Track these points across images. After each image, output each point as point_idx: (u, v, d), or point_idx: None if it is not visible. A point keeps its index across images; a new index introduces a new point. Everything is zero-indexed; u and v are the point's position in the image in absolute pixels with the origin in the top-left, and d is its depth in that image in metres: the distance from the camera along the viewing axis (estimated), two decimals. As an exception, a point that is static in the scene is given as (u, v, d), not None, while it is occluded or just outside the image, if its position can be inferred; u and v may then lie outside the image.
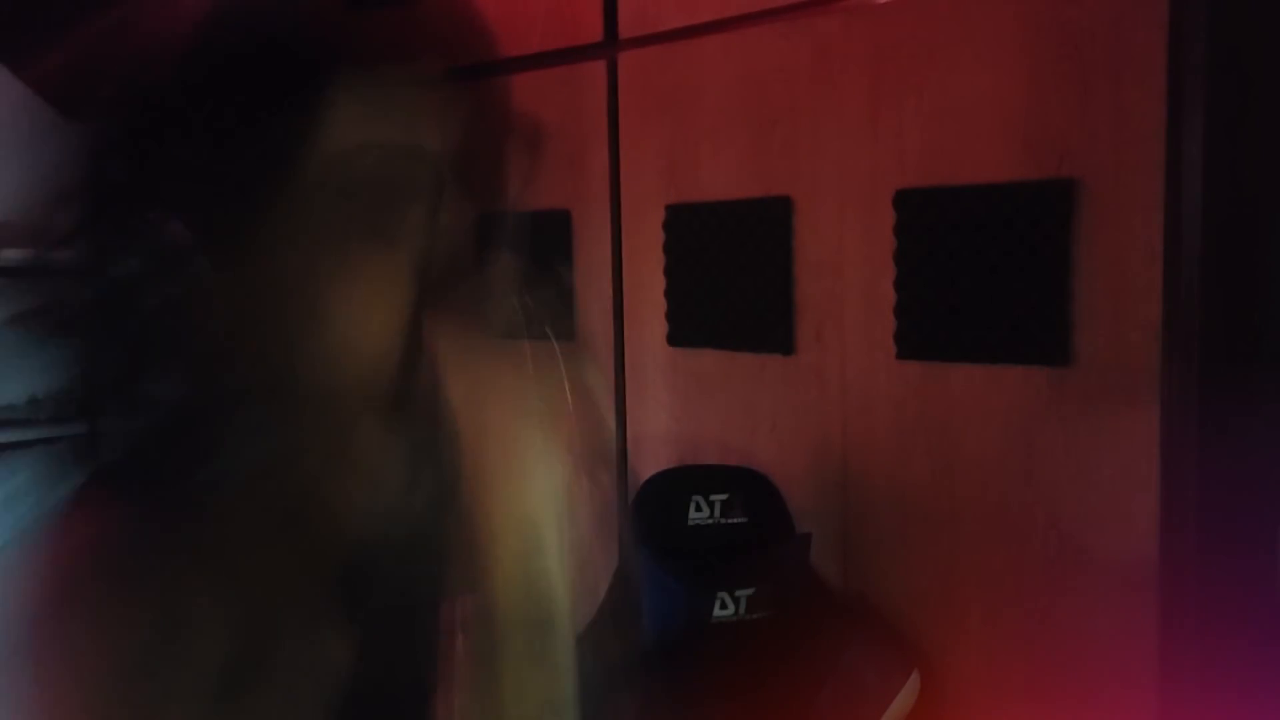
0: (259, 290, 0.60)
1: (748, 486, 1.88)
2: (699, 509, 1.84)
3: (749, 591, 1.75)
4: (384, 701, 0.60)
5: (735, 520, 1.84)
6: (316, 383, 0.62)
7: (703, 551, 1.81)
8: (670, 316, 2.18)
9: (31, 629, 0.57)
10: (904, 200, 1.81)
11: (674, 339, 2.18)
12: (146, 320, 0.61)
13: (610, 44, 2.24)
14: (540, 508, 0.57)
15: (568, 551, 0.58)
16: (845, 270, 1.91)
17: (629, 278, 2.24)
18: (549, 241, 2.27)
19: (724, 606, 1.74)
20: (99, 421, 0.64)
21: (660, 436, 2.21)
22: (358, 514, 0.65)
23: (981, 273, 1.71)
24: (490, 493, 0.57)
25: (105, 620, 0.56)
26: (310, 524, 0.62)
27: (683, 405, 2.18)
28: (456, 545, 0.59)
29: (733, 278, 2.07)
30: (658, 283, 2.18)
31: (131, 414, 0.63)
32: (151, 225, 0.59)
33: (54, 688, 0.56)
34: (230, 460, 0.61)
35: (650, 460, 2.15)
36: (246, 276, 0.59)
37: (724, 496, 1.84)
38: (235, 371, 0.61)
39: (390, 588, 0.62)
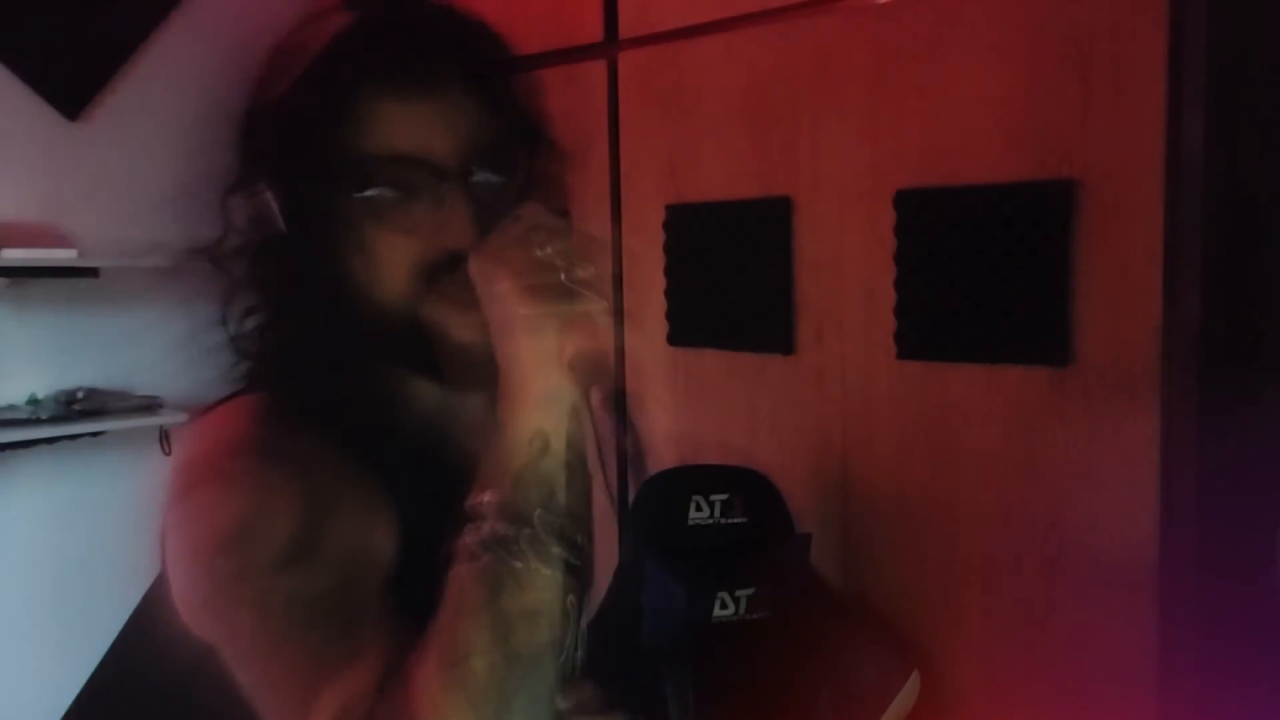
0: (310, 248, 0.79)
1: (748, 486, 1.88)
2: (699, 509, 1.84)
3: (749, 591, 1.75)
4: (416, 581, 0.73)
5: (735, 520, 1.84)
6: (353, 319, 0.79)
7: (703, 551, 1.81)
8: (670, 316, 2.18)
9: (175, 495, 0.76)
10: (904, 200, 1.81)
11: (674, 339, 2.18)
12: (254, 262, 0.81)
13: (610, 44, 2.24)
14: (549, 422, 0.72)
15: (573, 461, 0.74)
16: (845, 270, 1.91)
17: (629, 278, 2.24)
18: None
19: (724, 606, 1.74)
20: (238, 344, 0.83)
21: (660, 436, 2.21)
22: (396, 421, 0.83)
23: (981, 273, 1.71)
24: (509, 410, 0.72)
25: (216, 499, 0.74)
26: (359, 428, 0.79)
27: (683, 405, 2.19)
28: (482, 451, 0.73)
29: (733, 278, 2.07)
30: (658, 283, 2.18)
31: (259, 338, 0.83)
32: (255, 195, 0.79)
33: (177, 544, 0.76)
34: (314, 375, 0.80)
35: (650, 460, 2.15)
36: (304, 237, 0.78)
37: (724, 496, 1.84)
38: (302, 303, 0.81)
39: (426, 484, 0.78)
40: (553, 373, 0.70)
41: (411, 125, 0.77)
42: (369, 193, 0.77)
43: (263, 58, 0.82)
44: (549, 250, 0.71)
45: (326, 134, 0.77)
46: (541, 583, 0.69)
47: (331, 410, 0.78)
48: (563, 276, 0.71)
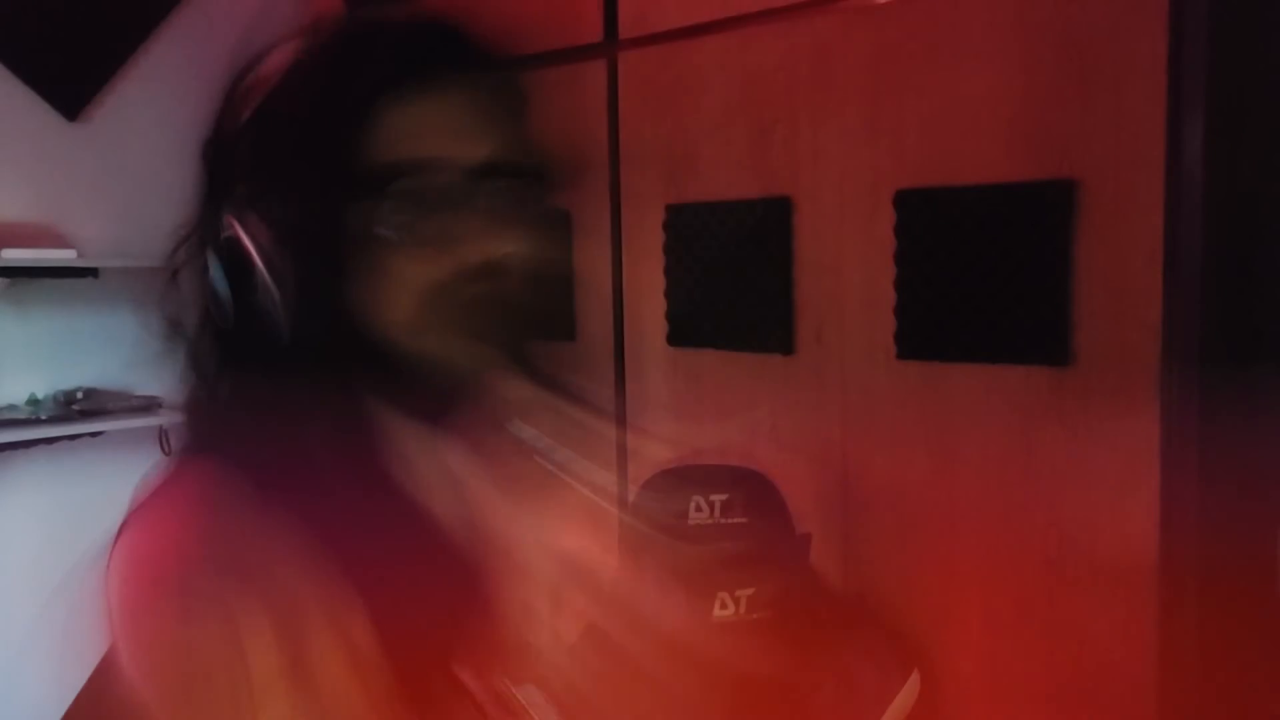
0: (301, 282, 0.66)
1: (748, 486, 1.88)
2: (699, 509, 1.83)
3: (749, 591, 1.75)
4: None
5: (735, 520, 1.84)
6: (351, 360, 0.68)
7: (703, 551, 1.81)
8: (670, 316, 2.18)
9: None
10: (904, 200, 1.81)
11: (674, 339, 2.18)
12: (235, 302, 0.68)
13: (610, 44, 2.24)
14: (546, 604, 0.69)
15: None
16: (845, 270, 1.91)
17: (629, 278, 2.24)
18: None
19: (724, 606, 1.74)
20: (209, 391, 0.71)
21: (660, 436, 2.21)
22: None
23: (981, 273, 1.71)
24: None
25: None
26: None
27: (683, 405, 2.18)
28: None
29: (733, 278, 2.06)
30: (658, 283, 2.18)
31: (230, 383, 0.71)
32: (226, 225, 0.67)
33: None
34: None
35: (650, 460, 2.15)
36: (292, 270, 0.66)
37: (724, 496, 1.84)
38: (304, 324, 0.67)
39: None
40: (544, 567, 0.66)
41: (423, 126, 0.68)
42: (382, 206, 0.66)
43: (223, 84, 0.70)
44: (531, 430, 0.64)
45: (321, 143, 0.66)
46: None
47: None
48: (548, 464, 0.64)
